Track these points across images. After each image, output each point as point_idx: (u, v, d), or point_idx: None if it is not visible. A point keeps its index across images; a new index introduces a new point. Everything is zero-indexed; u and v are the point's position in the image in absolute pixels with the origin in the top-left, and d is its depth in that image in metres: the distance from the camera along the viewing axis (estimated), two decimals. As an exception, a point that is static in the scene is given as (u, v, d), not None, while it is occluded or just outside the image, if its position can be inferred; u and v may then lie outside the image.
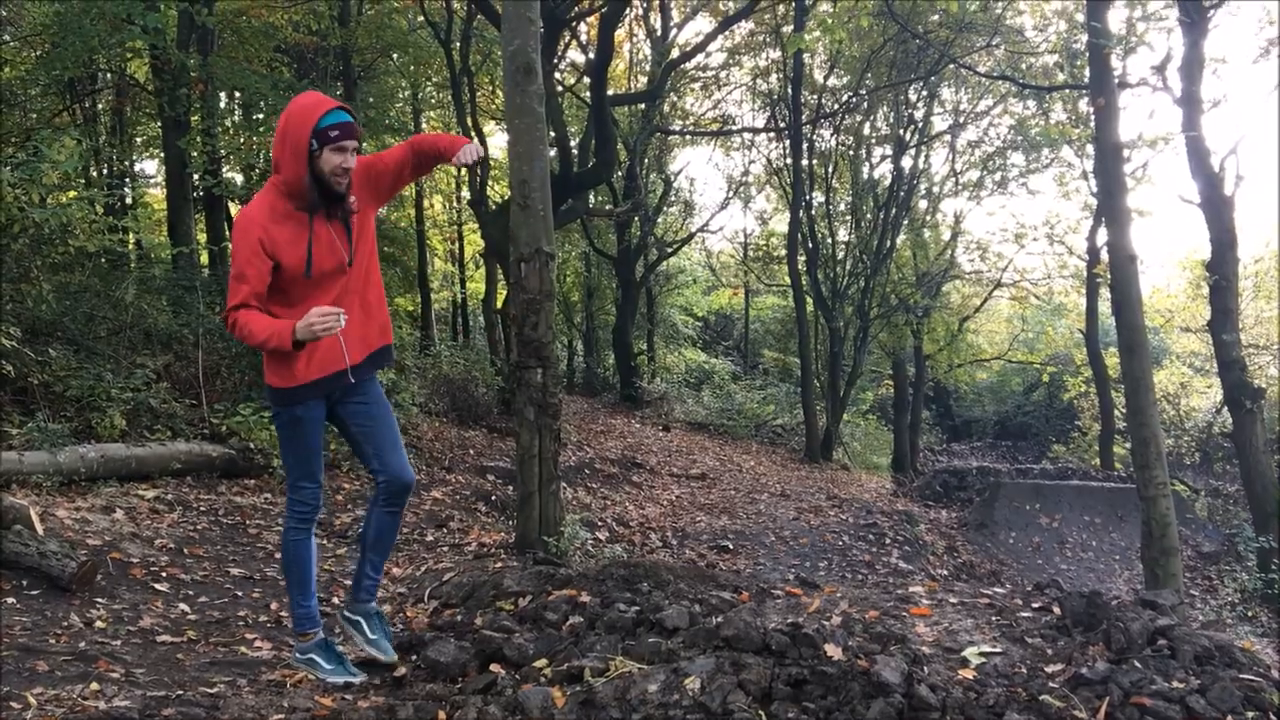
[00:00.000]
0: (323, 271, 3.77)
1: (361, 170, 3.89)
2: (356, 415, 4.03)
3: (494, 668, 4.05)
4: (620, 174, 20.18)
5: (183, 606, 5.09)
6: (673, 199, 27.41)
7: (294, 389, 3.80)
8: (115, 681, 3.78)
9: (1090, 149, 19.66)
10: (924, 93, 21.58)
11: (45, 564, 4.90)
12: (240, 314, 3.63)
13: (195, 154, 11.67)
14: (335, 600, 5.60)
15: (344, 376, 3.90)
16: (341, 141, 3.67)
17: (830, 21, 16.27)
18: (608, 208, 21.94)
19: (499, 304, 18.18)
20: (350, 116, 3.74)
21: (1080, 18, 16.22)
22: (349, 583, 5.96)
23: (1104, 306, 21.28)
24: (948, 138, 23.42)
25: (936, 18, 16.87)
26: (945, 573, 11.16)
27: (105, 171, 16.72)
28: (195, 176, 12.11)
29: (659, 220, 26.32)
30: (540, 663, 3.96)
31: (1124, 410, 16.21)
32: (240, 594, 5.47)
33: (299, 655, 4.08)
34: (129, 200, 17.84)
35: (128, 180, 18.02)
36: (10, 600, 4.64)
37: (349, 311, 3.82)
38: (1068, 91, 17.61)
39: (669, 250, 26.92)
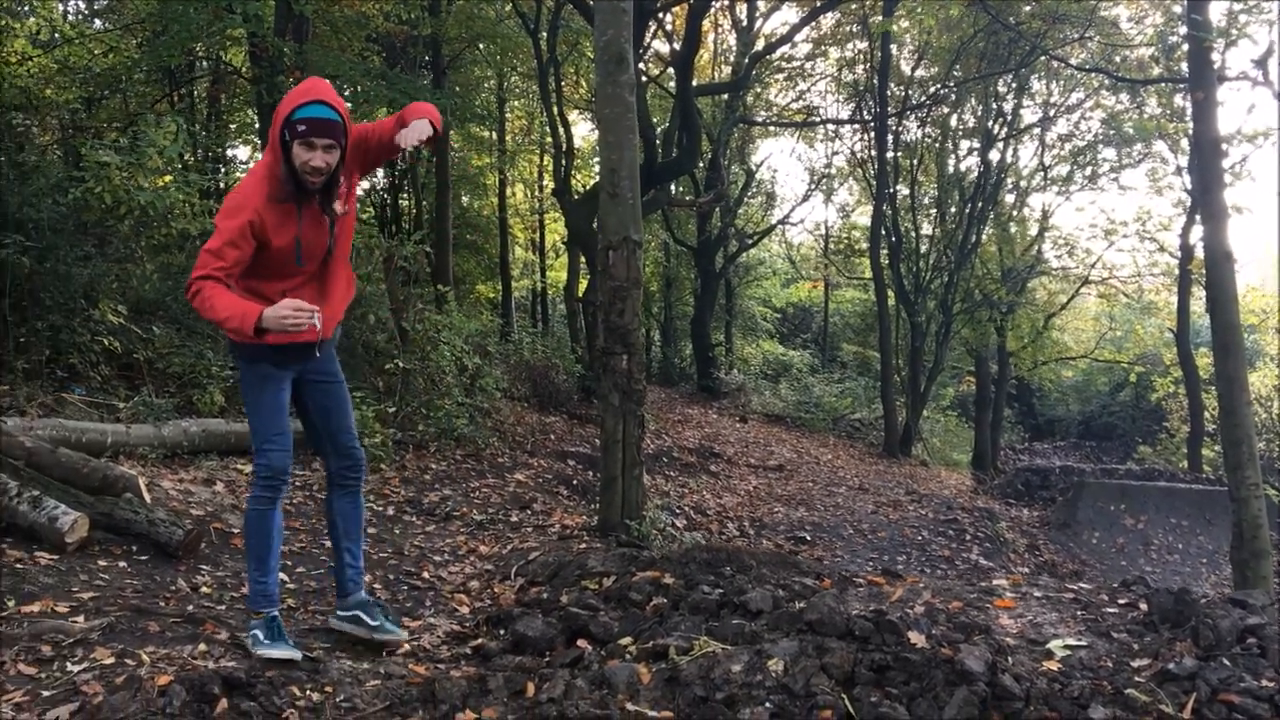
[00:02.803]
0: (310, 258, 3.75)
1: (354, 142, 3.73)
2: (318, 394, 3.99)
3: (580, 643, 4.15)
4: (702, 165, 20.21)
5: (281, 576, 5.27)
6: (754, 190, 27.34)
7: (262, 344, 3.60)
8: (222, 644, 3.95)
9: (1185, 144, 19.20)
10: (1013, 85, 21.23)
11: (154, 531, 5.12)
12: (205, 285, 3.45)
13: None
14: (424, 574, 5.76)
15: (310, 349, 3.82)
16: (309, 138, 3.49)
17: (920, 10, 16.10)
18: (689, 198, 21.99)
19: (580, 292, 18.35)
20: (333, 113, 3.53)
21: (1177, 9, 15.84)
22: (437, 558, 6.16)
23: (1196, 305, 20.78)
24: (1037, 131, 23.03)
25: (1029, 8, 16.58)
26: (1026, 570, 11.03)
27: (201, 157, 17.22)
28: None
29: (740, 211, 26.28)
30: (625, 640, 4.05)
31: (1214, 412, 15.81)
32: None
33: (247, 633, 3.89)
34: (222, 185, 18.38)
35: (221, 165, 18.54)
36: (122, 564, 4.87)
37: (326, 286, 3.83)
38: (1163, 85, 17.18)
39: (749, 242, 26.86)
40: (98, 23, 16.85)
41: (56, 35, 14.07)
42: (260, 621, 3.83)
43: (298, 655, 3.76)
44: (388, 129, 3.76)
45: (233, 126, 18.72)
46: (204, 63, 17.54)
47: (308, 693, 3.49)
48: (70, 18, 16.40)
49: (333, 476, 4.10)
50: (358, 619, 4.13)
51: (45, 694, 3.29)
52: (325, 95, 3.56)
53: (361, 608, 4.14)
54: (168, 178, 9.90)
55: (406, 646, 4.31)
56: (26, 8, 13.78)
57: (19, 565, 4.52)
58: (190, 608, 4.40)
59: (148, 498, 5.69)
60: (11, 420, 6.24)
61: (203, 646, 3.87)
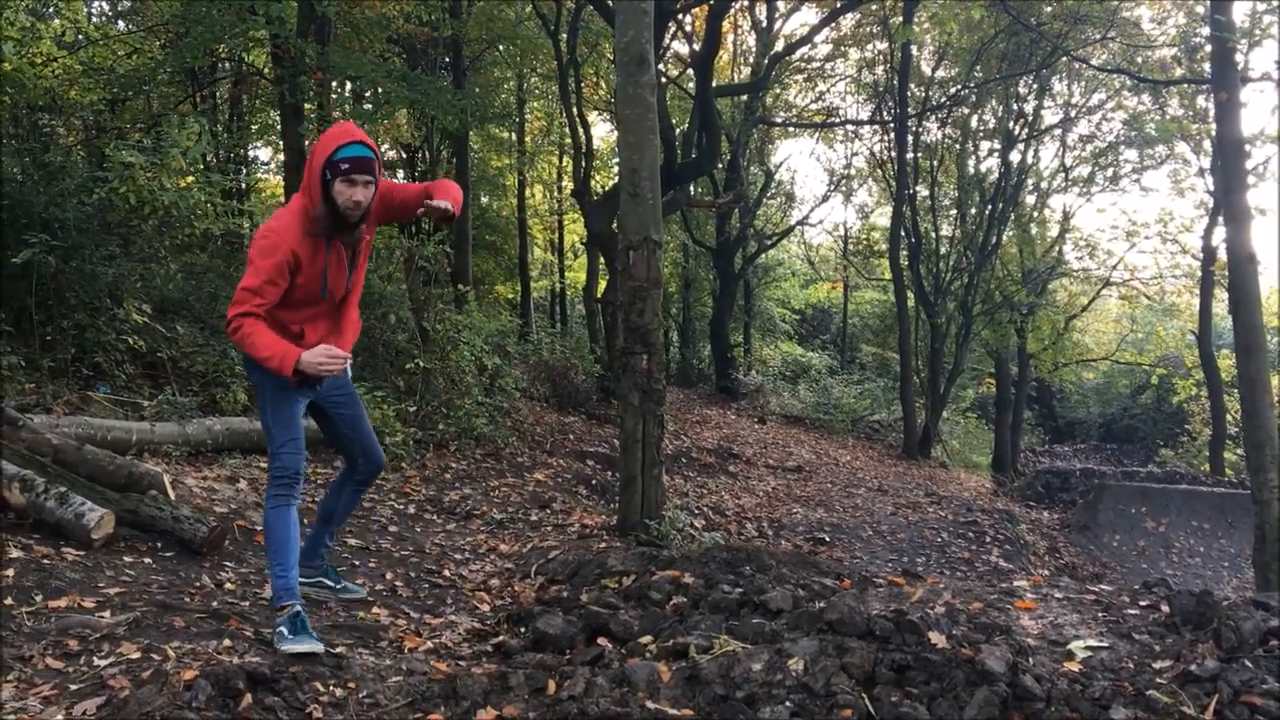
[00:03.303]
0: (331, 292, 3.98)
1: (380, 194, 3.99)
2: (340, 407, 4.31)
3: (601, 641, 4.17)
4: (722, 165, 20.22)
5: (303, 573, 5.33)
6: (773, 191, 27.29)
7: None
8: (246, 639, 3.98)
9: (1207, 145, 19.10)
10: (1034, 86, 21.13)
11: (179, 528, 5.18)
12: (247, 322, 3.71)
13: (309, 141, 12.05)
14: (445, 572, 5.79)
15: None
16: (351, 175, 3.75)
17: (941, 13, 16.05)
18: (708, 199, 21.99)
19: (599, 292, 18.37)
20: (370, 152, 3.81)
21: (1200, 10, 15.76)
22: (458, 556, 6.20)
23: (1218, 307, 20.65)
24: (1058, 132, 22.92)
25: (1050, 9, 16.51)
26: (1046, 573, 10.98)
27: (223, 157, 17.32)
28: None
29: (759, 212, 26.24)
30: (645, 639, 4.06)
31: (1237, 414, 15.70)
32: (358, 563, 5.70)
33: (273, 630, 3.95)
34: (244, 185, 18.50)
35: (243, 166, 18.64)
36: (147, 561, 4.92)
37: (340, 321, 4.12)
38: (1185, 86, 17.09)
39: (768, 242, 26.81)
40: (121, 24, 16.98)
41: (81, 37, 14.18)
42: (285, 616, 3.89)
43: (320, 648, 3.82)
44: (413, 194, 4.12)
45: (254, 127, 18.81)
46: (226, 64, 17.63)
47: (331, 688, 3.52)
48: (94, 19, 16.54)
49: (354, 473, 4.51)
50: (321, 583, 4.69)
51: (73, 688, 3.33)
52: (361, 137, 3.84)
53: (324, 574, 4.73)
54: (190, 178, 9.99)
55: (429, 644, 4.34)
56: (52, 9, 13.91)
57: (46, 561, 4.57)
58: (215, 603, 4.44)
59: (172, 495, 5.75)
60: (38, 418, 6.30)
61: (227, 642, 3.91)
